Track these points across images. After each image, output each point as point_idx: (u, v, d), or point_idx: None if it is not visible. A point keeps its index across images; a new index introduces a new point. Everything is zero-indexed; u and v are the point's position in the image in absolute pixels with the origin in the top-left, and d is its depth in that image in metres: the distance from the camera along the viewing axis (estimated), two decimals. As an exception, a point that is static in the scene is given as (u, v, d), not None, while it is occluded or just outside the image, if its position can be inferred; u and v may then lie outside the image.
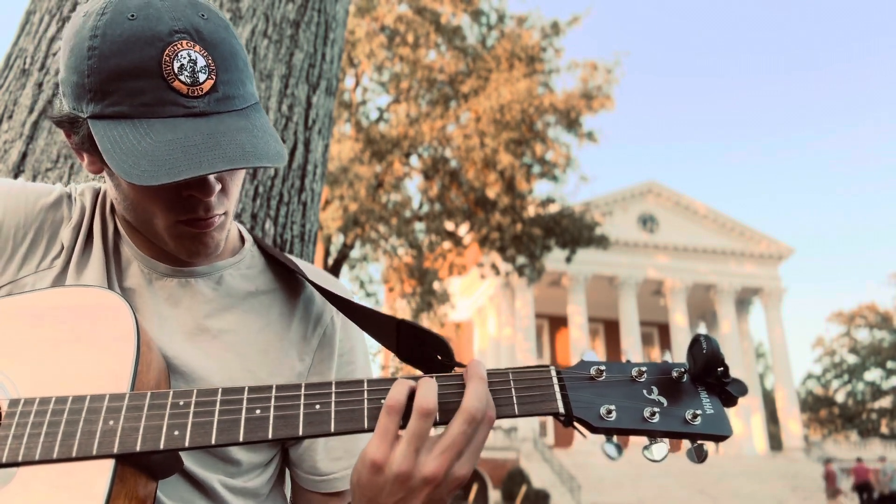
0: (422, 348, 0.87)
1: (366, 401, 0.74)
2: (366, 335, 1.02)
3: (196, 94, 0.76)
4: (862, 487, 19.97)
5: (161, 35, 0.75)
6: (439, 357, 0.85)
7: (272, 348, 0.94)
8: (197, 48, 0.77)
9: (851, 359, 48.50)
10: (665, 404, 0.75)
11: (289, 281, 1.01)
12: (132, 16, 0.76)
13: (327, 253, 16.89)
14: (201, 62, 0.77)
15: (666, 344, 39.64)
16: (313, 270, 1.03)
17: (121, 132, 0.75)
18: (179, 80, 0.75)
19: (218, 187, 0.81)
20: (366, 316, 0.95)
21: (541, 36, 18.70)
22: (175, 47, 0.75)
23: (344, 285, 1.05)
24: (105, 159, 0.74)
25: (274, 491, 0.97)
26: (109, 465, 0.68)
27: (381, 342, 0.94)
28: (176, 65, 0.75)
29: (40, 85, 1.75)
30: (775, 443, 41.48)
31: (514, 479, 24.78)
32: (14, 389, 0.74)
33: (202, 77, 0.77)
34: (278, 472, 0.99)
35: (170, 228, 0.84)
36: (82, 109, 0.78)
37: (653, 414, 0.74)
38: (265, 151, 0.77)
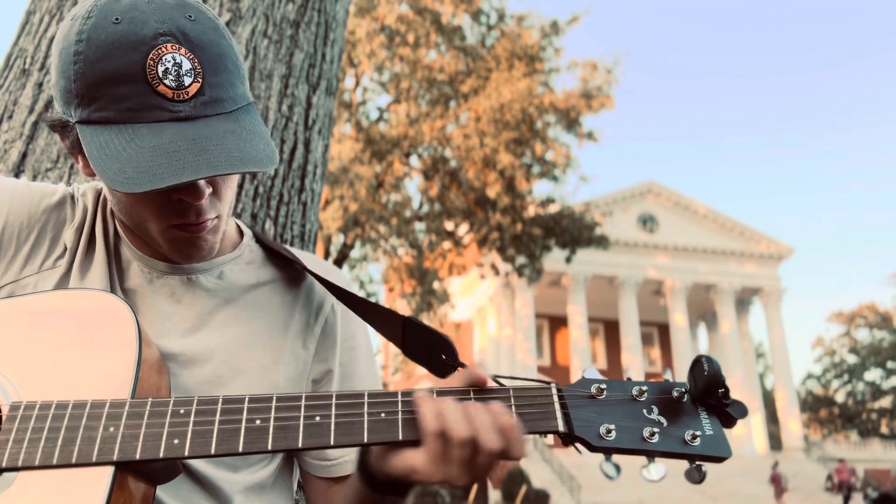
0: (427, 347, 0.87)
1: (366, 414, 0.73)
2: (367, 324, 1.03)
3: (182, 97, 0.76)
4: (843, 488, 20.38)
5: (145, 39, 0.74)
6: (444, 357, 0.85)
7: (276, 337, 0.94)
8: (182, 51, 0.76)
9: (851, 359, 48.53)
10: (665, 424, 0.75)
11: (289, 271, 1.01)
12: (117, 19, 0.75)
13: (327, 253, 16.89)
14: (187, 65, 0.76)
15: (666, 344, 39.65)
16: (314, 261, 1.03)
17: (107, 138, 0.75)
18: (164, 85, 0.75)
19: (208, 191, 0.81)
20: (370, 311, 0.95)
21: (540, 35, 18.70)
22: (159, 51, 0.74)
23: (344, 274, 1.05)
24: (91, 165, 0.74)
25: (278, 482, 0.97)
26: (109, 471, 0.68)
27: (387, 336, 0.95)
28: (160, 69, 0.74)
29: (40, 85, 1.75)
30: (775, 443, 41.48)
31: (514, 479, 24.79)
32: (15, 393, 0.73)
33: (188, 80, 0.76)
34: (283, 463, 0.99)
35: (163, 232, 0.84)
36: (71, 114, 0.78)
37: (652, 434, 0.74)
38: (252, 155, 0.76)
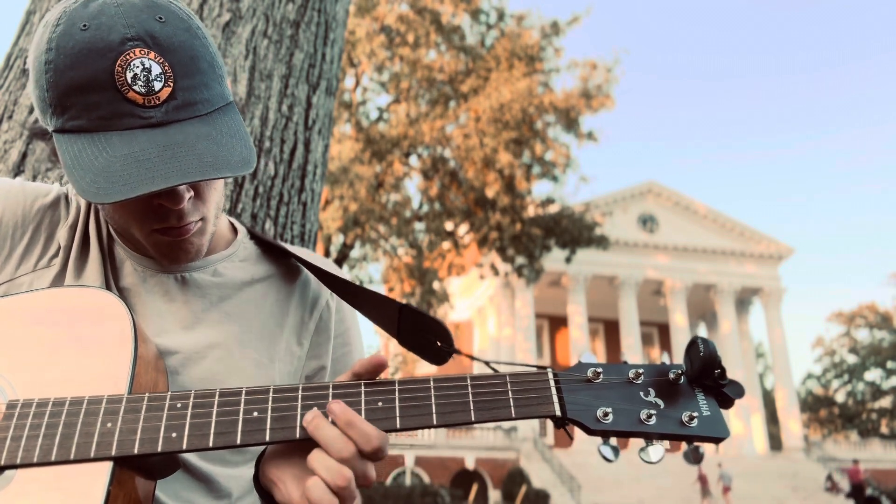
0: (422, 334, 0.86)
1: (363, 402, 0.73)
2: (362, 318, 1.02)
3: (152, 103, 0.75)
4: (856, 488, 20.43)
5: (112, 45, 0.73)
6: (439, 343, 0.85)
7: (271, 334, 0.94)
8: (151, 55, 0.74)
9: (851, 359, 48.51)
10: (662, 406, 0.75)
11: (284, 267, 1.01)
12: (84, 26, 0.74)
13: (327, 253, 16.89)
14: (156, 70, 0.74)
15: (666, 344, 39.63)
16: (310, 255, 1.02)
17: (80, 147, 0.74)
18: (134, 91, 0.73)
19: (189, 195, 0.80)
20: (366, 299, 0.95)
21: (540, 35, 18.71)
22: (128, 56, 0.73)
23: (341, 270, 1.04)
24: (66, 175, 0.74)
25: None
26: (107, 467, 0.68)
27: (381, 326, 0.94)
28: (129, 75, 0.73)
29: (40, 85, 1.75)
30: (775, 443, 41.48)
31: (514, 479, 24.80)
32: (12, 391, 0.74)
33: (158, 85, 0.74)
34: None
35: (146, 237, 0.84)
36: (48, 123, 0.78)
37: (649, 416, 0.74)
38: (227, 159, 0.75)
